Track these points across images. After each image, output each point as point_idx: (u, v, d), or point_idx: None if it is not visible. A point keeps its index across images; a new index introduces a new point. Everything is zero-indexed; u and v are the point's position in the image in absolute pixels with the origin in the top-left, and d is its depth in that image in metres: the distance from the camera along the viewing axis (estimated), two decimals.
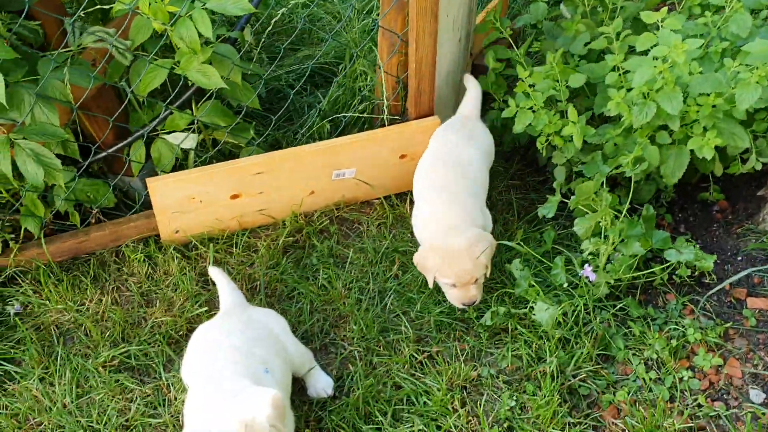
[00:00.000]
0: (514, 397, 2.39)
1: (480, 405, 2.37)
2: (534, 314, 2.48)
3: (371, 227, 2.97)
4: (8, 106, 2.25)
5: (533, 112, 2.78)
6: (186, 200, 2.77)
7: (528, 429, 2.30)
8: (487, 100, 3.33)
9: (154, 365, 2.52)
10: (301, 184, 2.93)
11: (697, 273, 2.73)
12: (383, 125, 2.97)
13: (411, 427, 2.32)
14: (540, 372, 2.45)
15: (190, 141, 2.72)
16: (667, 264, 2.63)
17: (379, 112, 3.01)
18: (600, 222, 2.53)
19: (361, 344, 2.55)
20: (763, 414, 2.28)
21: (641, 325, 2.57)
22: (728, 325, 2.56)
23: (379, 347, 2.55)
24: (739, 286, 2.71)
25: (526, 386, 2.42)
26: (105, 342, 2.58)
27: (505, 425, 2.33)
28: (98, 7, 2.52)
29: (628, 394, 2.39)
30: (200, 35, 2.40)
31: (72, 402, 2.42)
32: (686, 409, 2.35)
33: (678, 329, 2.54)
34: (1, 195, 2.63)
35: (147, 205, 2.87)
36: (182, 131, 2.73)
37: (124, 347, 2.54)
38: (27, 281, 2.74)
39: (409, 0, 2.61)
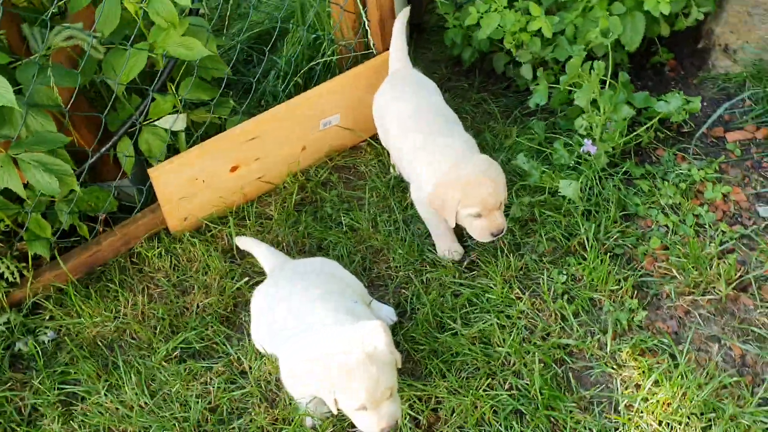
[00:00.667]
0: (564, 272, 2.53)
1: (539, 286, 2.50)
2: (560, 192, 2.62)
3: (371, 167, 3.02)
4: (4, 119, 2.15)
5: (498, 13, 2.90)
6: (189, 183, 2.73)
7: (587, 294, 2.45)
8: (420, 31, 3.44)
9: (215, 345, 2.50)
10: (292, 142, 2.94)
11: (675, 125, 2.96)
12: (353, 66, 3.01)
13: (484, 323, 2.41)
14: (577, 243, 2.59)
15: (180, 121, 2.68)
16: (651, 123, 2.83)
17: (345, 54, 3.05)
18: (592, 95, 2.69)
19: (409, 268, 2.62)
20: None
21: (647, 181, 2.76)
22: (720, 159, 2.80)
23: (425, 266, 2.63)
24: (715, 126, 2.95)
25: (569, 260, 2.57)
26: (157, 339, 2.52)
27: (565, 298, 2.47)
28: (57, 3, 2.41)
29: (660, 241, 2.57)
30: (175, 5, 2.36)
31: (148, 403, 2.36)
32: (713, 239, 2.56)
33: (681, 173, 2.74)
34: (4, 223, 2.50)
35: (144, 205, 2.82)
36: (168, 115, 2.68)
37: (180, 336, 2.50)
38: (51, 306, 2.63)
39: None
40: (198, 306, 2.61)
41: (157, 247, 2.78)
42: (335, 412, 1.99)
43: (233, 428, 2.28)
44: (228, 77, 2.82)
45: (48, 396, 2.41)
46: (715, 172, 2.77)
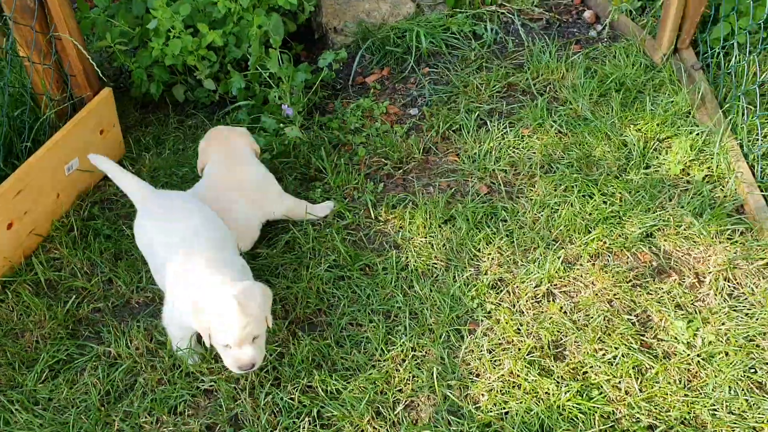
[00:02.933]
0: (318, 188, 3.35)
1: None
2: (288, 135, 3.45)
3: (120, 195, 3.46)
4: None
5: (178, 38, 3.63)
6: None
7: (340, 196, 3.30)
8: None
9: (75, 355, 2.75)
10: (48, 192, 3.26)
11: (331, 85, 4.01)
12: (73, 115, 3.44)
13: (285, 237, 3.11)
14: (314, 170, 3.44)
15: None
16: (317, 83, 3.84)
17: (61, 107, 3.47)
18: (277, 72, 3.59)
19: None
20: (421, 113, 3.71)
21: (335, 121, 3.74)
22: (369, 97, 3.90)
23: None
24: (357, 77, 4.08)
25: (315, 184, 3.40)
26: (19, 374, 2.68)
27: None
28: None
29: (365, 150, 3.55)
30: None
31: (44, 415, 2.55)
32: (396, 133, 3.61)
33: (353, 108, 3.78)
34: None
35: None
36: None
37: (42, 360, 2.70)
38: None
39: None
40: (39, 338, 2.81)
41: None
42: (208, 346, 2.46)
43: (136, 393, 2.60)
44: None
45: None
46: (372, 101, 3.86)
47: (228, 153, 3.15)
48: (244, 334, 2.36)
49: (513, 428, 2.40)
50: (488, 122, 3.57)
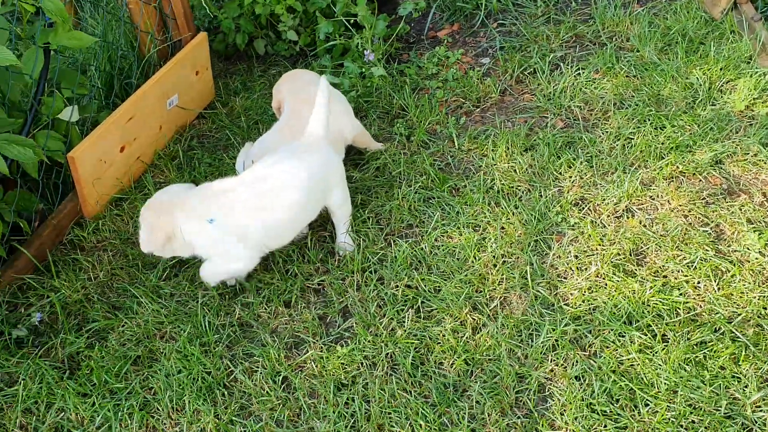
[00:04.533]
0: (401, 126, 3.59)
1: (394, 138, 3.52)
2: (373, 74, 3.70)
3: (215, 130, 3.73)
4: None
5: None
6: (98, 164, 3.17)
7: (422, 130, 3.54)
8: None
9: (194, 263, 3.01)
10: (153, 123, 3.53)
11: (405, 39, 4.26)
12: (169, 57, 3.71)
13: (378, 163, 3.35)
14: (398, 107, 3.69)
15: (76, 112, 3.11)
16: (396, 32, 4.08)
17: (162, 46, 3.74)
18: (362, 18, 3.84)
19: None
20: (494, 60, 3.94)
21: (411, 69, 3.98)
22: (443, 47, 4.14)
23: None
24: (429, 32, 4.32)
25: (398, 121, 3.64)
26: (142, 272, 2.94)
27: (411, 135, 3.53)
28: None
29: (442, 93, 3.79)
30: None
31: (168, 306, 2.80)
32: (471, 78, 3.85)
33: (429, 56, 4.02)
34: None
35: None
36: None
37: (161, 263, 2.96)
38: (22, 299, 2.85)
39: None
40: None
41: (87, 228, 3.14)
42: None
43: (251, 290, 2.85)
44: None
45: (77, 341, 2.68)
46: (446, 51, 4.09)
47: (298, 80, 3.36)
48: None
49: (603, 318, 2.62)
50: (561, 65, 3.79)
